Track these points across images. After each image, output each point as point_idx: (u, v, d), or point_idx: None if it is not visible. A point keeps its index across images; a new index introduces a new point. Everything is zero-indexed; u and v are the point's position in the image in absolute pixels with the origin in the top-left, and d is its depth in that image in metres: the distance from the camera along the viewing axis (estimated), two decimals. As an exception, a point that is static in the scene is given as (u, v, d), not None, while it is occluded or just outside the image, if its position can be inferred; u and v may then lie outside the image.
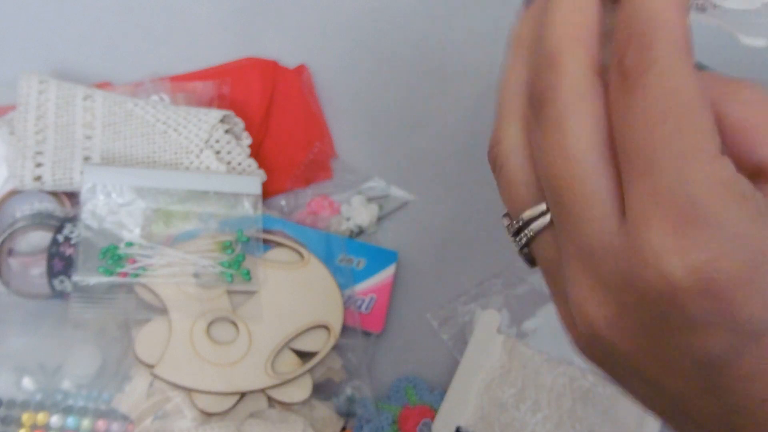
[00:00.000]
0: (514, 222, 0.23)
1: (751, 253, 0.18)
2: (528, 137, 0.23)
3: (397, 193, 0.56)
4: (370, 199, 0.55)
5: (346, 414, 0.50)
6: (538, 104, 0.22)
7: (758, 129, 0.21)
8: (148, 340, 0.48)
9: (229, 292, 0.50)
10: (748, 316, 0.18)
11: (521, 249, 0.24)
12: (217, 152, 0.53)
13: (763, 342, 0.19)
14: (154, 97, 0.54)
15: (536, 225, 0.23)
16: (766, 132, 0.21)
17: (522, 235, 0.23)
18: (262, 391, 0.48)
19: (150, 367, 0.47)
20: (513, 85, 0.24)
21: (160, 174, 0.51)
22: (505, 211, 0.25)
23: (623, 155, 0.20)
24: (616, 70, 0.20)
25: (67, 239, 0.50)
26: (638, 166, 0.19)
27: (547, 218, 0.23)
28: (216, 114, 0.53)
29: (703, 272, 0.18)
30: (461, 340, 0.52)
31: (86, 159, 0.51)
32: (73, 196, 0.52)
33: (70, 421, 0.47)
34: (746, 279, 0.18)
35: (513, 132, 0.23)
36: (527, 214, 0.23)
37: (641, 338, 0.20)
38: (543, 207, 0.23)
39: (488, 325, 0.50)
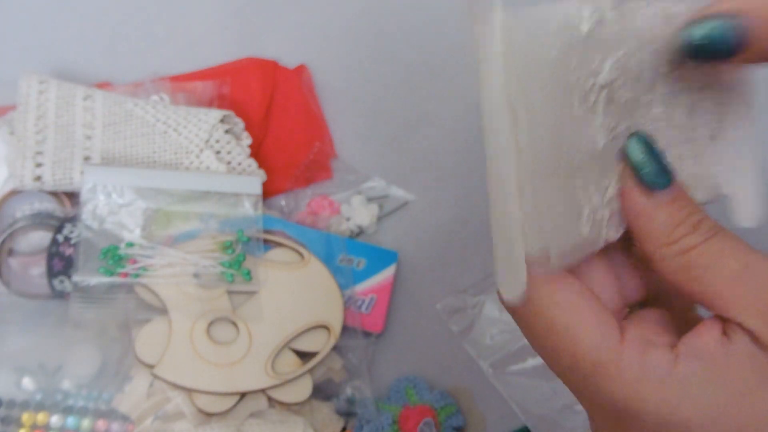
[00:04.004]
0: None
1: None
2: None
3: (397, 193, 0.56)
4: (370, 199, 0.55)
5: (346, 414, 0.50)
6: None
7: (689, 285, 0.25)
8: (148, 340, 0.48)
9: (230, 292, 0.50)
10: None
11: None
12: (217, 152, 0.53)
13: None
14: (154, 97, 0.54)
15: None
16: (698, 288, 0.24)
17: None
18: (262, 391, 0.48)
19: (150, 367, 0.47)
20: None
21: (161, 174, 0.51)
22: None
23: None
24: None
25: (67, 239, 0.50)
26: None
27: None
28: (216, 114, 0.53)
29: None
30: (470, 331, 0.52)
31: (86, 159, 0.51)
32: (73, 196, 0.52)
33: (70, 421, 0.47)
34: None
35: None
36: None
37: None
38: None
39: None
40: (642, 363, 0.23)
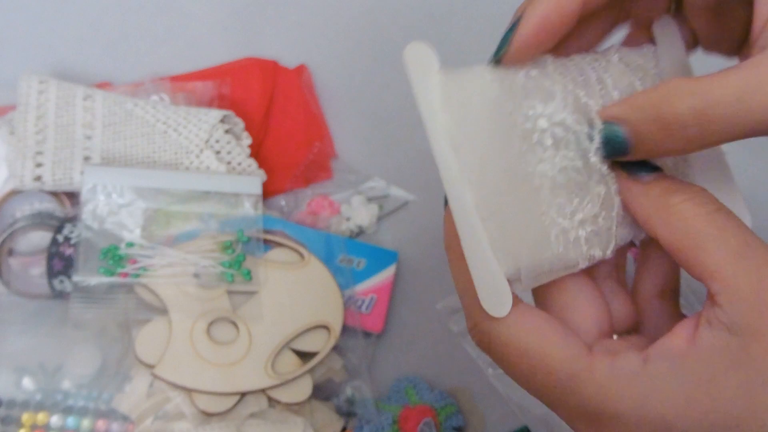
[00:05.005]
0: None
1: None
2: None
3: (397, 193, 0.56)
4: (370, 199, 0.55)
5: (347, 414, 0.50)
6: None
7: (688, 251, 0.25)
8: (148, 340, 0.48)
9: (230, 292, 0.50)
10: None
11: None
12: (217, 152, 0.53)
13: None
14: (154, 97, 0.54)
15: None
16: (696, 254, 0.24)
17: None
18: (263, 391, 0.48)
19: (150, 367, 0.47)
20: (466, 281, 0.28)
21: (161, 174, 0.51)
22: None
23: None
24: None
25: (67, 239, 0.50)
26: None
27: None
28: (216, 114, 0.53)
29: None
30: None
31: (86, 159, 0.51)
32: (73, 196, 0.52)
33: (70, 421, 0.47)
34: None
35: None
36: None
37: None
38: None
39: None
40: (612, 366, 0.25)
